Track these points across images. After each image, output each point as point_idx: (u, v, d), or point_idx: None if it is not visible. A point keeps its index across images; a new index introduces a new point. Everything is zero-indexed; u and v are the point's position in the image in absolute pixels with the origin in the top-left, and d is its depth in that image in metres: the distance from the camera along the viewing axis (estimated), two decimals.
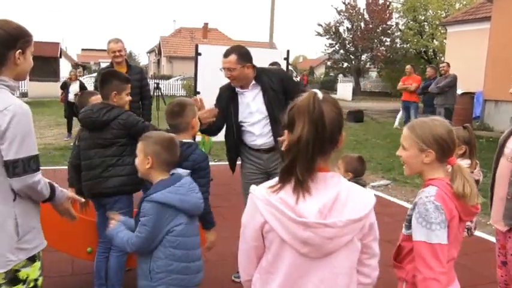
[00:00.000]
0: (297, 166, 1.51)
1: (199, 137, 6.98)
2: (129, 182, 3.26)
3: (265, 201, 1.54)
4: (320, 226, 1.49)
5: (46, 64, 21.80)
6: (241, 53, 3.69)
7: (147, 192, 2.49)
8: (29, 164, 2.00)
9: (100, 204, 3.39)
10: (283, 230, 1.51)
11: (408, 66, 12.43)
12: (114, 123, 3.22)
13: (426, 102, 10.96)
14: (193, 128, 3.00)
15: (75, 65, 53.30)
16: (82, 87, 11.75)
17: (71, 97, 11.70)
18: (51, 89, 22.38)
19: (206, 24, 46.10)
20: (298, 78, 32.62)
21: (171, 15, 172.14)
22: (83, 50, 69.18)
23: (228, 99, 3.83)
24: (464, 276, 2.95)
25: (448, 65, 10.34)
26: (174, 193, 2.42)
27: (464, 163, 3.15)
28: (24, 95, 24.52)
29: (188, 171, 2.64)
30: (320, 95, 1.53)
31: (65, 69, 32.36)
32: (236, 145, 3.92)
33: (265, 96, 3.74)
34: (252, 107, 3.79)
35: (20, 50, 2.07)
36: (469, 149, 3.15)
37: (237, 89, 3.81)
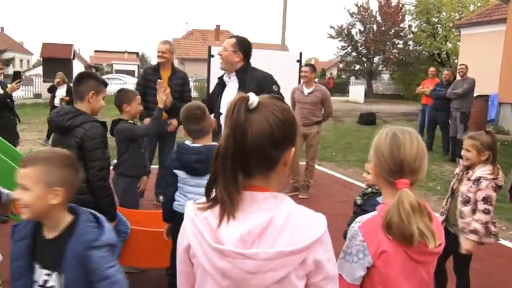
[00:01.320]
0: (216, 180, 1.28)
1: None
2: (85, 200, 2.73)
3: (191, 220, 1.31)
4: (238, 256, 1.21)
5: (59, 65, 21.90)
6: (241, 41, 3.90)
7: (82, 241, 1.73)
8: None
9: None
10: (203, 257, 1.26)
11: (432, 69, 12.18)
12: (76, 130, 2.95)
13: (437, 106, 10.30)
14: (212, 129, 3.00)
15: (89, 67, 53.82)
16: (69, 91, 11.13)
17: (57, 101, 11.22)
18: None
19: (218, 26, 46.22)
20: (324, 81, 32.43)
21: (184, 17, 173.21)
22: (95, 51, 69.76)
23: (218, 87, 4.01)
24: (480, 282, 2.91)
25: (467, 67, 9.93)
26: (112, 230, 1.86)
27: (487, 169, 3.09)
28: (37, 96, 24.81)
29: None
30: (253, 99, 1.26)
31: (78, 70, 32.63)
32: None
33: (238, 92, 3.74)
34: (226, 98, 3.86)
35: None
36: (492, 154, 3.11)
37: (225, 78, 3.96)
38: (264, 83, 3.84)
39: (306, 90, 6.55)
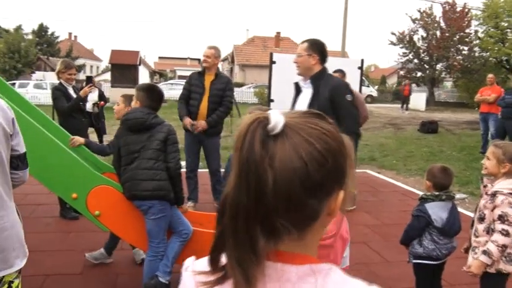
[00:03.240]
0: (225, 245, 0.81)
1: None
2: (164, 187, 3.42)
3: None
4: None
5: (126, 71, 22.87)
6: (313, 43, 3.79)
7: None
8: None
9: (137, 207, 3.49)
10: None
11: (491, 76, 11.73)
12: (160, 127, 3.48)
13: (506, 115, 10.02)
14: None
15: (153, 72, 55.48)
16: (101, 96, 10.84)
17: (89, 106, 10.20)
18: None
19: (278, 33, 46.52)
20: (399, 88, 31.53)
21: (245, 24, 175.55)
22: (159, 58, 72.16)
23: (295, 91, 3.97)
24: None
25: None
26: None
27: (507, 183, 2.78)
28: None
29: None
30: (276, 120, 0.77)
31: (143, 76, 33.89)
32: None
33: (312, 99, 3.73)
34: (301, 104, 3.82)
35: None
36: None
37: (301, 83, 3.89)
38: (337, 91, 3.71)
39: None
